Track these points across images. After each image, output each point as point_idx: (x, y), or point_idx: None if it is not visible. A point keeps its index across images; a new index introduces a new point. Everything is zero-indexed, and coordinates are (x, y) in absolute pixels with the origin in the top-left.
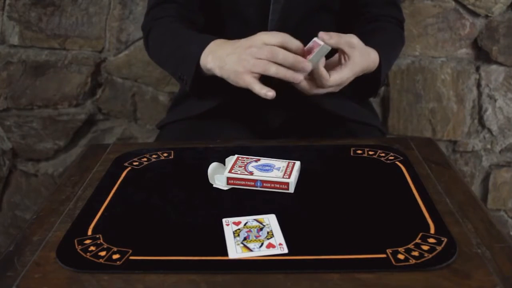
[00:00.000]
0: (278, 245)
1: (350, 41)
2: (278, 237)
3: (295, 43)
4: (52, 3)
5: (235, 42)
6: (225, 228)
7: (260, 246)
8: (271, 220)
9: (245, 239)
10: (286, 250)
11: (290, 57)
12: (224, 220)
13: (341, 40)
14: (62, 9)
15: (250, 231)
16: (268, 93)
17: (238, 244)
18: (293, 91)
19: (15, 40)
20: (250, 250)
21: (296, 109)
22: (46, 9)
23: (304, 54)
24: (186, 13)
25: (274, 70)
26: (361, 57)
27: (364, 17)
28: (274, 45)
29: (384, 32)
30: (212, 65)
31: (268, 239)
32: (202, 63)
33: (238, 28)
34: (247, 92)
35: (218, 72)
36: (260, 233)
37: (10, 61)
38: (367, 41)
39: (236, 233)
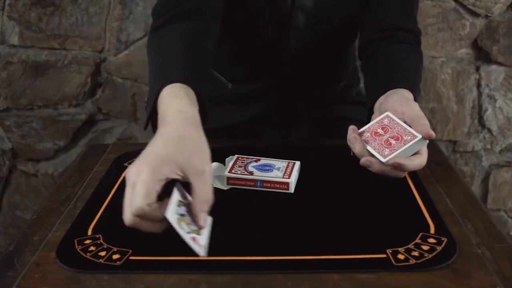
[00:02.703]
0: (199, 246)
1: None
2: (203, 239)
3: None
4: (52, 3)
5: (181, 140)
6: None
7: (188, 233)
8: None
9: (182, 215)
10: (203, 254)
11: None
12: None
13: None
14: (62, 9)
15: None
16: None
17: (174, 214)
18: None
19: (15, 40)
20: (180, 228)
21: (298, 125)
22: (46, 9)
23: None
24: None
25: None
26: (416, 106)
27: (378, 27)
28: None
29: (407, 59)
30: (159, 124)
31: (196, 234)
32: (158, 105)
33: (259, 50)
34: (248, 113)
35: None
36: (194, 226)
37: (10, 61)
38: (396, 75)
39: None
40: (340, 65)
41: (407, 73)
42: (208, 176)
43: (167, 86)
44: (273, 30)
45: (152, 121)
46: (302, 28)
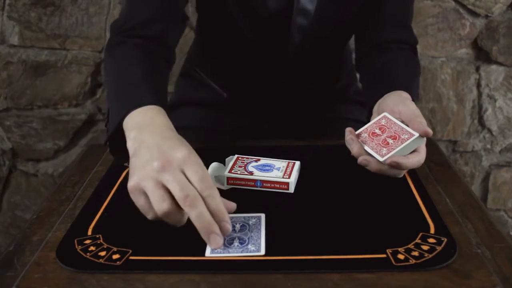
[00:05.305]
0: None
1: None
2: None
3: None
4: (52, 3)
5: (168, 135)
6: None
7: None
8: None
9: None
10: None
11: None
12: None
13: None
14: (62, 9)
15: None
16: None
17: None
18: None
19: (15, 40)
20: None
21: (294, 117)
22: (46, 9)
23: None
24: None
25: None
26: (413, 105)
27: (374, 41)
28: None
29: (405, 66)
30: (130, 142)
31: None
32: (125, 125)
33: (259, 58)
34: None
35: (130, 153)
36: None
37: (10, 61)
38: (393, 79)
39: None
40: (337, 67)
41: (405, 77)
42: None
43: (141, 107)
44: (273, 36)
45: (112, 141)
46: (303, 33)
